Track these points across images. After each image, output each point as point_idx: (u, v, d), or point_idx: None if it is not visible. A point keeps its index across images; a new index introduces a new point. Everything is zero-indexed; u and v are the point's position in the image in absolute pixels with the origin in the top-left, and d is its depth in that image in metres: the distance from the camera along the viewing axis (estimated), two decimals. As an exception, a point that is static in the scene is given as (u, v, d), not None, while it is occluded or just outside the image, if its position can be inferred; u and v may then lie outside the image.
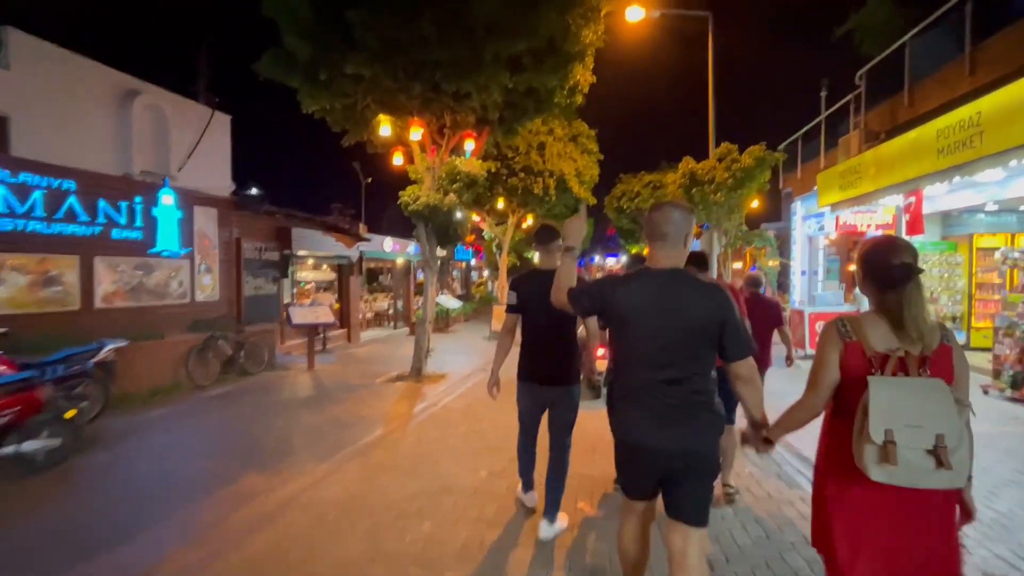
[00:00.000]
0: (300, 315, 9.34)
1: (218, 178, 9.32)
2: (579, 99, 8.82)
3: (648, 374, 1.93)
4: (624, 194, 19.09)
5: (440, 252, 19.14)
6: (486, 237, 17.98)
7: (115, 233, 7.28)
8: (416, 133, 7.45)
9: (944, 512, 1.63)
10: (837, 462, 1.71)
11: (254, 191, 12.63)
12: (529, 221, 16.57)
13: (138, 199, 7.58)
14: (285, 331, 11.09)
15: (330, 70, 6.49)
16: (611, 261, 69.56)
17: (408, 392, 7.44)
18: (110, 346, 5.54)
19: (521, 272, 3.44)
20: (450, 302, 17.05)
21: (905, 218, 8.30)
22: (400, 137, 8.23)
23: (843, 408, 1.71)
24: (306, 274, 14.35)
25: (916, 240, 8.25)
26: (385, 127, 7.62)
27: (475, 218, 16.86)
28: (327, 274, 14.27)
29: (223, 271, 9.28)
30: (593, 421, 4.52)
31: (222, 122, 9.44)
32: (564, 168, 14.11)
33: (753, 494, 3.81)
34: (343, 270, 13.77)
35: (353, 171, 31.28)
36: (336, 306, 13.36)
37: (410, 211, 7.77)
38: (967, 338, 9.45)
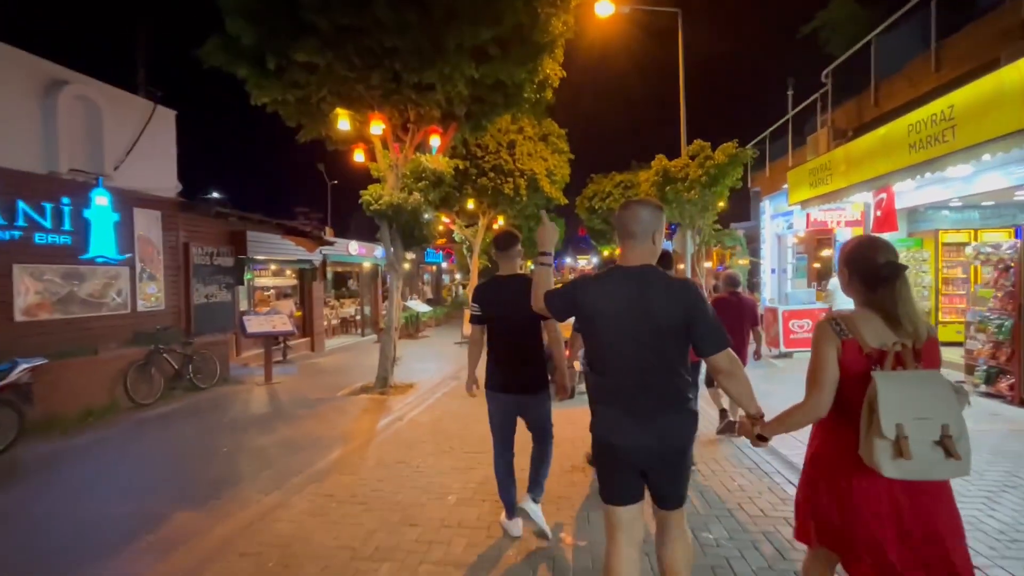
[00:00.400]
0: (255, 324, 8.70)
1: (162, 178, 8.58)
2: (549, 94, 8.50)
3: (622, 374, 1.93)
4: (596, 194, 18.89)
5: (409, 256, 18.64)
6: (456, 239, 17.51)
7: (39, 238, 6.54)
8: (377, 127, 6.96)
9: (946, 488, 1.67)
10: (838, 460, 1.73)
11: (214, 195, 11.90)
12: (500, 222, 16.19)
13: (66, 200, 6.85)
14: (241, 342, 10.39)
15: (279, 57, 5.96)
16: (583, 262, 70.08)
17: (372, 406, 6.94)
18: (24, 366, 4.88)
19: (481, 281, 3.40)
20: (420, 306, 16.51)
21: (876, 214, 8.28)
22: (361, 132, 7.72)
23: (843, 406, 1.71)
24: (266, 280, 13.61)
25: (887, 237, 8.24)
26: (343, 121, 7.11)
27: (445, 220, 16.38)
28: (289, 280, 13.57)
29: (169, 278, 8.56)
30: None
31: (166, 117, 8.70)
32: (535, 167, 13.79)
33: (746, 512, 3.51)
34: (305, 275, 13.10)
35: (318, 173, 30.36)
36: (297, 313, 12.68)
37: (372, 211, 7.28)
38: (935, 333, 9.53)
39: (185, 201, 8.88)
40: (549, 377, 3.17)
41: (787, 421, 1.80)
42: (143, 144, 8.17)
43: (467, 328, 14.68)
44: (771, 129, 11.96)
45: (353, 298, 17.33)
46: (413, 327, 16.10)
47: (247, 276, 10.91)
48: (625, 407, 1.92)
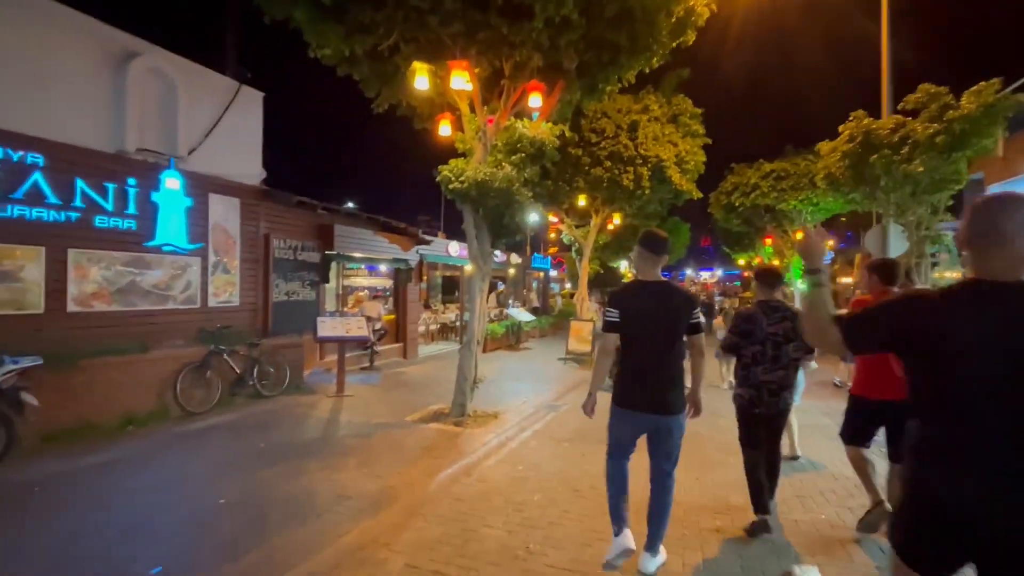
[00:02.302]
0: (328, 327, 7.63)
1: (245, 164, 7.95)
2: (691, 37, 6.28)
3: (989, 424, 1.36)
4: (736, 188, 15.68)
5: (514, 259, 17.13)
6: (565, 241, 15.65)
7: (99, 221, 5.95)
8: (459, 80, 5.37)
9: None
10: None
11: (350, 205, 11.44)
12: (616, 221, 14.00)
13: (132, 181, 6.25)
14: (324, 345, 9.54)
15: (335, -15, 4.63)
16: (705, 275, 63.78)
17: (438, 443, 5.30)
18: (10, 366, 3.97)
19: (621, 286, 3.14)
20: (522, 315, 14.90)
21: None
22: (446, 97, 6.23)
23: None
24: (359, 280, 12.97)
25: None
26: (421, 78, 5.63)
27: (552, 219, 14.63)
28: (383, 280, 12.79)
29: (246, 272, 7.84)
30: None
31: (252, 99, 8.09)
32: (661, 153, 11.45)
33: None
34: (399, 276, 12.15)
35: (432, 177, 30.51)
36: (389, 317, 11.73)
37: (452, 190, 5.70)
38: None
39: (267, 189, 8.17)
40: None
41: None
42: (224, 127, 7.53)
43: (573, 343, 12.80)
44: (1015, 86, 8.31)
45: (458, 303, 16.29)
46: (514, 337, 14.55)
47: (336, 273, 10.13)
48: (995, 466, 1.33)
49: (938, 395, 1.44)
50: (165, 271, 6.66)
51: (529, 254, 22.15)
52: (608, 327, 2.81)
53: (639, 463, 2.95)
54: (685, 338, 2.77)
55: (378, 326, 10.28)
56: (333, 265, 9.98)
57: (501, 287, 19.45)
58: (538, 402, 7.53)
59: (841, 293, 22.06)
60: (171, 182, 6.60)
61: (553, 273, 31.81)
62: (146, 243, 6.40)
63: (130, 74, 6.23)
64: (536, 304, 21.87)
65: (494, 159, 5.94)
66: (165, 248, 6.59)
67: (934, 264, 11.80)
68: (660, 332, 2.70)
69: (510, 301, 18.23)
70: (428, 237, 12.18)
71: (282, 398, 7.17)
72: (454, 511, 3.61)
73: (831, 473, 4.62)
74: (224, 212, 7.49)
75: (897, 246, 7.59)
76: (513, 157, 5.93)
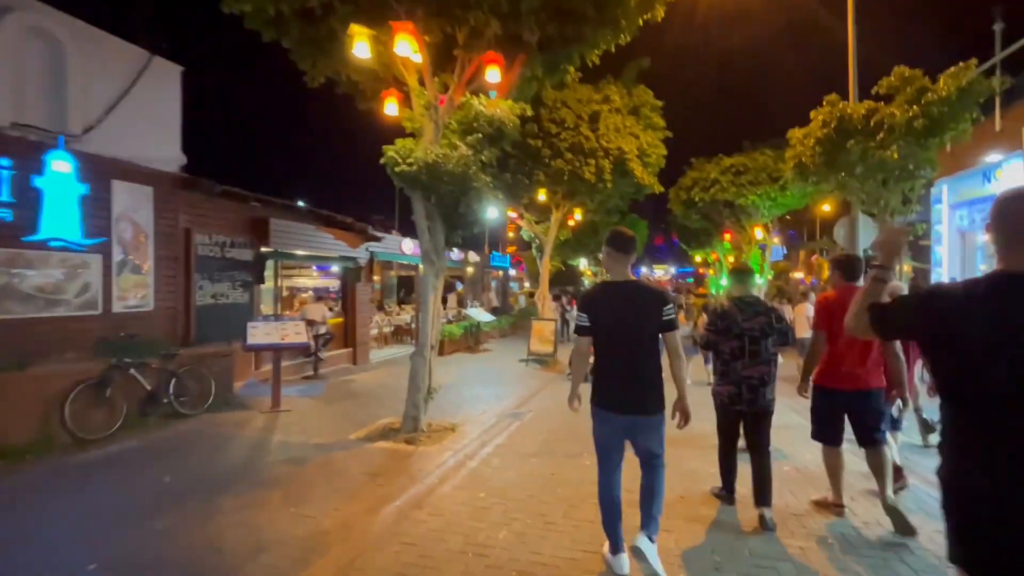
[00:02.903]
0: (259, 334, 6.71)
1: (160, 148, 6.91)
2: (660, 11, 5.80)
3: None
4: (696, 183, 15.55)
5: (458, 254, 16.38)
6: (524, 237, 15.09)
7: (-42, 210, 4.86)
8: (405, 46, 4.65)
9: None
10: None
11: (301, 204, 10.32)
12: (577, 216, 13.56)
13: (4, 162, 5.16)
14: (261, 353, 8.55)
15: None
16: (659, 272, 64.94)
17: (387, 465, 4.57)
18: None
19: (590, 288, 3.25)
20: (481, 315, 14.24)
21: None
22: (391, 70, 5.49)
23: None
24: (305, 280, 11.94)
25: None
26: (361, 44, 4.86)
27: (511, 214, 14.03)
28: (333, 280, 11.83)
29: (163, 272, 6.81)
30: None
31: (167, 73, 7.04)
32: (623, 146, 11.06)
33: None
34: (348, 275, 11.22)
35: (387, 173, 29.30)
36: (336, 320, 10.79)
37: (398, 174, 4.97)
38: None
39: (188, 177, 7.13)
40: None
41: None
42: (133, 103, 6.48)
43: (535, 344, 12.26)
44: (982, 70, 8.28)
45: (410, 304, 15.42)
46: (473, 339, 13.87)
47: (272, 272, 9.13)
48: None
49: (962, 389, 1.41)
50: (54, 271, 5.58)
51: (487, 252, 21.52)
52: (579, 330, 2.82)
53: (630, 460, 2.86)
54: (660, 336, 2.75)
55: (323, 330, 9.35)
56: (270, 264, 9.00)
57: (460, 287, 18.71)
58: (500, 410, 6.90)
59: (791, 288, 22.64)
60: (59, 165, 5.53)
61: (512, 272, 31.32)
62: (26, 237, 5.32)
63: (2, 35, 5.14)
64: (496, 304, 21.24)
65: (447, 140, 5.25)
66: (52, 243, 5.52)
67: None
68: (632, 332, 2.66)
69: (469, 301, 17.52)
70: (378, 234, 11.30)
71: (205, 417, 6.20)
72: (401, 561, 2.91)
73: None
74: (133, 202, 6.44)
75: (867, 237, 7.44)
76: (469, 138, 5.26)
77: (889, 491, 3.24)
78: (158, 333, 6.58)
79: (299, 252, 9.35)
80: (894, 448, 3.84)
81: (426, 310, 5.43)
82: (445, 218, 5.44)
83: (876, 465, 3.29)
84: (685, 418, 2.73)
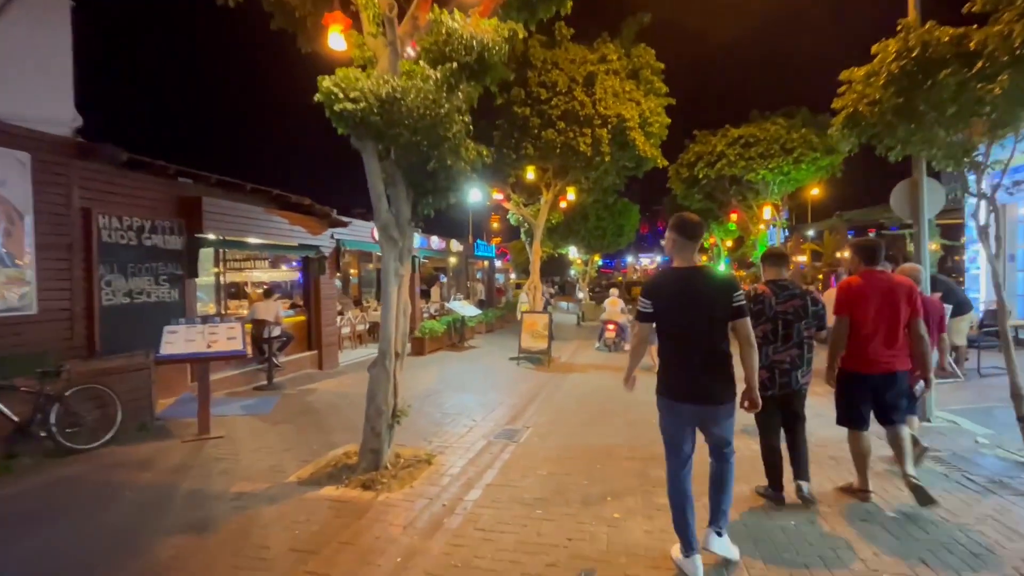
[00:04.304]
0: (176, 342, 5.24)
1: (42, 104, 5.36)
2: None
3: None
4: (700, 157, 14.18)
5: (439, 243, 14.92)
6: (512, 221, 13.68)
7: None
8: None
9: None
10: None
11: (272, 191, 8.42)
12: (570, 196, 12.17)
13: None
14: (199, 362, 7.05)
15: None
16: (645, 261, 63.91)
17: (331, 529, 3.17)
18: None
19: (655, 274, 3.16)
20: (465, 309, 12.83)
21: None
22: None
23: None
24: (259, 274, 10.41)
25: None
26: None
27: (496, 195, 12.60)
28: (285, 273, 10.33)
29: (48, 264, 5.28)
30: None
31: (50, 8, 5.46)
32: (624, 112, 9.69)
33: None
34: (310, 266, 9.72)
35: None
36: (295, 319, 9.31)
37: (339, 113, 3.51)
38: None
39: (81, 142, 5.58)
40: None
41: None
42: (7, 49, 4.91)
43: (527, 340, 10.93)
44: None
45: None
46: (457, 335, 12.47)
47: (211, 264, 7.63)
48: None
49: None
50: None
51: (471, 241, 20.07)
52: (642, 317, 2.73)
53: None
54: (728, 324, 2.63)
55: (276, 332, 7.88)
56: (208, 254, 7.51)
57: (444, 279, 17.27)
58: (489, 426, 5.54)
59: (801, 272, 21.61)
60: None
61: (499, 264, 29.90)
62: None
63: None
64: (482, 296, 19.84)
65: (410, 69, 3.82)
66: None
67: (911, 235, 10.84)
68: (702, 319, 2.58)
69: (452, 293, 16.09)
70: (344, 218, 9.80)
71: (105, 452, 4.74)
72: None
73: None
74: (2, 172, 4.89)
75: (934, 204, 6.20)
76: (440, 68, 3.83)
77: (910, 467, 3.28)
78: (46, 343, 5.07)
79: (245, 239, 7.84)
80: (915, 424, 3.96)
81: (387, 305, 4.01)
82: (411, 181, 4.01)
83: (897, 443, 3.35)
84: (754, 406, 2.67)
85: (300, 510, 3.45)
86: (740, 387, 2.66)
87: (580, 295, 24.73)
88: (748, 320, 2.61)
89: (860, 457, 3.44)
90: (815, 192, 17.49)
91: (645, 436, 4.98)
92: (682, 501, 2.62)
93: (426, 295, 16.33)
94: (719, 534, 2.64)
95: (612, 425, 5.60)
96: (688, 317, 2.57)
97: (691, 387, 2.60)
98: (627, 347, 10.84)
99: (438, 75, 3.75)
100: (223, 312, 7.89)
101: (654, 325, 2.67)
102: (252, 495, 3.73)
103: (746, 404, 2.67)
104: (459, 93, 3.88)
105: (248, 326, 7.88)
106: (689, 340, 2.60)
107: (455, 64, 3.83)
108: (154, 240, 6.40)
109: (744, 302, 2.59)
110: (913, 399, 3.84)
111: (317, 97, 3.56)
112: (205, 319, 5.94)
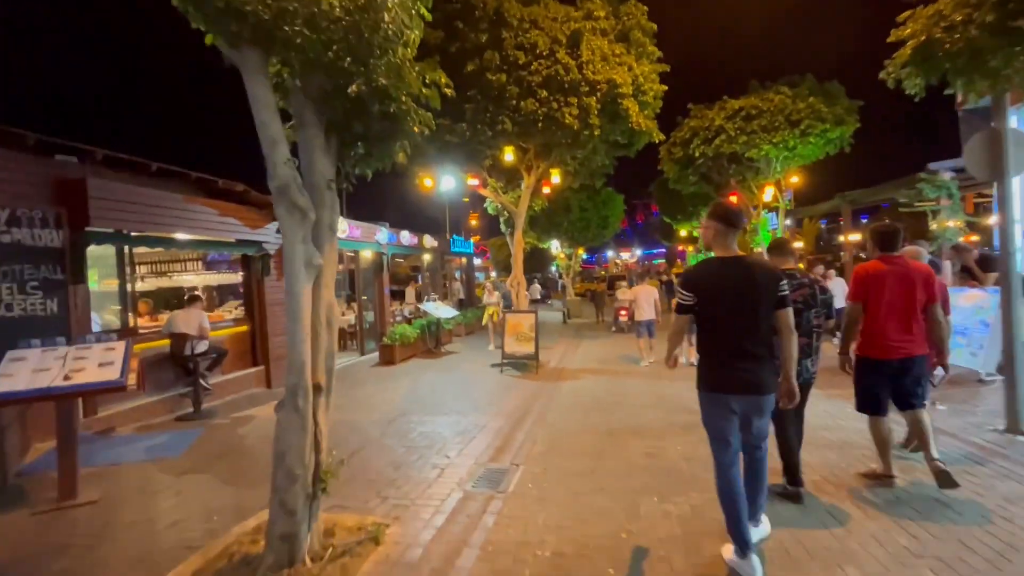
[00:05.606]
0: (22, 372, 3.72)
1: None
2: None
3: None
4: (696, 134, 12.87)
5: (409, 238, 13.43)
6: (490, 211, 12.28)
7: None
8: None
9: None
10: None
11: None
12: (555, 179, 10.83)
13: None
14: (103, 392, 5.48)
15: None
16: (625, 255, 62.89)
17: None
18: None
19: (695, 265, 2.83)
20: (441, 310, 11.40)
21: None
22: None
23: None
24: (190, 277, 8.82)
25: None
26: None
27: (472, 181, 11.19)
28: (229, 275, 8.79)
29: None
30: None
31: None
32: (616, 78, 8.39)
33: None
34: (251, 266, 8.19)
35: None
36: (235, 330, 7.79)
37: (197, 8, 2.08)
38: None
39: None
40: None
41: None
42: None
43: (512, 343, 9.55)
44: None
45: (353, 302, 12.39)
46: (433, 340, 11.05)
47: (106, 266, 6.07)
48: None
49: None
50: None
51: (448, 236, 18.63)
52: (682, 309, 2.68)
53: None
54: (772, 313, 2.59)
55: (202, 347, 6.36)
56: (100, 252, 5.95)
57: (420, 279, 15.79)
58: (467, 466, 4.16)
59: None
60: None
61: (478, 262, 28.46)
62: None
63: None
64: (461, 296, 18.42)
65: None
66: None
67: (935, 212, 9.84)
68: (744, 310, 2.52)
69: (427, 294, 14.64)
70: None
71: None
72: None
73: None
74: None
75: (1021, 160, 5.03)
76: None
77: (934, 451, 3.27)
78: None
79: (157, 235, 6.30)
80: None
81: (294, 314, 2.59)
82: (329, 120, 2.59)
83: (918, 427, 3.35)
84: (790, 397, 2.62)
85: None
86: None
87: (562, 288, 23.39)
88: (791, 310, 2.59)
89: (882, 443, 3.46)
90: (795, 180, 16.32)
91: (676, 475, 3.68)
92: (734, 498, 2.52)
93: (399, 296, 14.87)
94: (755, 526, 2.70)
95: (628, 455, 4.28)
96: (735, 307, 2.51)
97: (738, 377, 2.53)
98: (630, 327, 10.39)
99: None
100: (133, 326, 6.33)
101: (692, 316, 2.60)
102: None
103: (783, 398, 2.62)
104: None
105: (166, 341, 6.38)
106: (736, 331, 2.53)
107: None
108: (17, 235, 4.85)
109: (788, 292, 2.57)
110: (931, 386, 3.81)
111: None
112: (80, 340, 4.40)
